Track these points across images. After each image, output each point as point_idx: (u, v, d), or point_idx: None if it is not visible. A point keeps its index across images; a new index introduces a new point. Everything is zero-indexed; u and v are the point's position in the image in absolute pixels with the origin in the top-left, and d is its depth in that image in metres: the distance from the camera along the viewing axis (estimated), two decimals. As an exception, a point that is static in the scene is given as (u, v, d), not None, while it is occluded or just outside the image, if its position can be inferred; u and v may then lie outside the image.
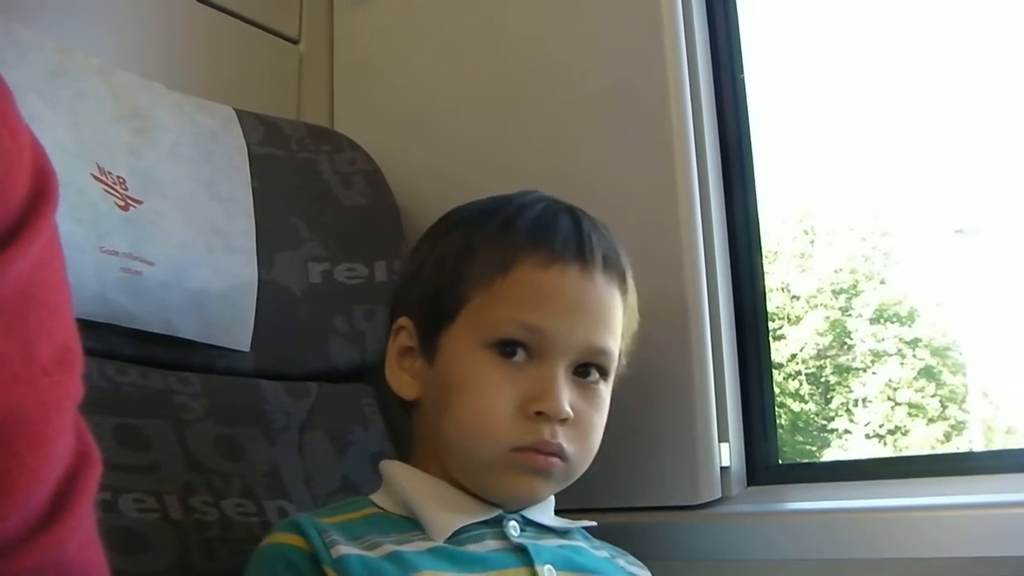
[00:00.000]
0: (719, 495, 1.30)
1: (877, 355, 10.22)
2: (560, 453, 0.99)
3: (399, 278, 1.15)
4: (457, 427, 1.00)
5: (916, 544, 1.15)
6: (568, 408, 0.98)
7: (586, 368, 1.03)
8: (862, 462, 1.82)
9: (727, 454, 1.32)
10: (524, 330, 0.99)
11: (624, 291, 1.07)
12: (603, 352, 1.03)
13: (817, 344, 10.23)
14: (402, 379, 1.08)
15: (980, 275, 9.78)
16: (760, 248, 1.45)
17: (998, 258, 9.89)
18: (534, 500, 1.03)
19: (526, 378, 0.99)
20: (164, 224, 1.21)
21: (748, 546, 1.25)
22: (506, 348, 0.99)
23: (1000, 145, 10.00)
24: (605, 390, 1.05)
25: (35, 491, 0.56)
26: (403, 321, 1.08)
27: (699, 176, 1.37)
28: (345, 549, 0.92)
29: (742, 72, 1.48)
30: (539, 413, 0.98)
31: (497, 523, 1.01)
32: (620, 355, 1.07)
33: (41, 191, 0.59)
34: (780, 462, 1.46)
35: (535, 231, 1.03)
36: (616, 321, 1.05)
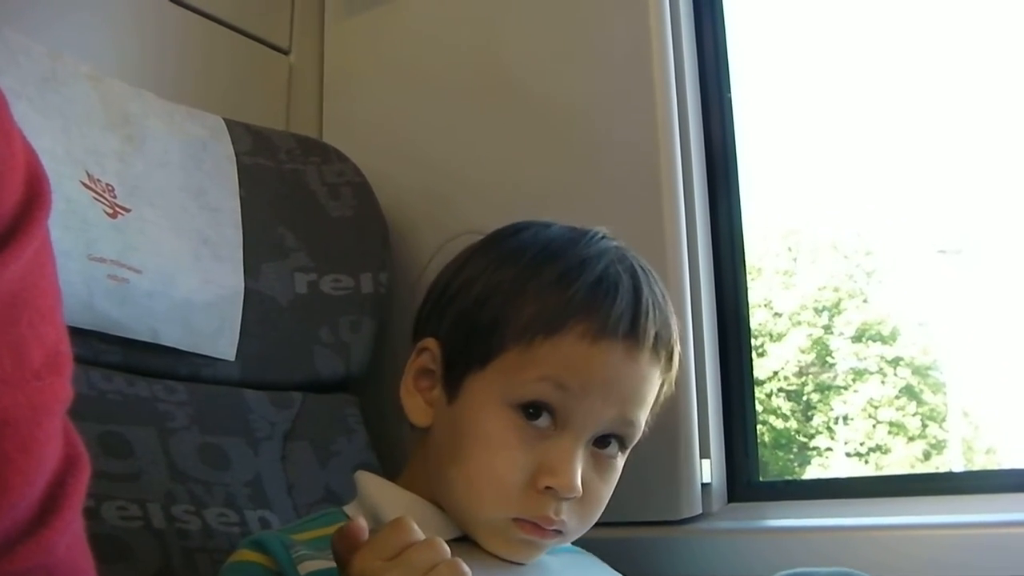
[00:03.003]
0: (700, 511, 1.30)
1: (859, 373, 10.26)
2: (560, 528, 0.96)
3: (435, 284, 1.08)
4: (464, 482, 0.96)
5: (896, 563, 1.15)
6: (580, 487, 0.94)
7: (607, 438, 0.99)
8: (842, 480, 1.83)
9: (708, 470, 1.32)
10: (557, 395, 0.94)
11: (668, 368, 1.02)
12: (630, 425, 0.99)
13: (799, 362, 10.26)
14: (416, 402, 1.03)
15: (962, 295, 9.83)
16: (744, 266, 1.46)
17: (980, 278, 9.94)
18: (521, 563, 0.99)
19: (544, 447, 0.94)
20: (152, 232, 1.21)
21: (728, 562, 1.25)
22: (530, 410, 0.95)
23: (983, 167, 10.06)
24: (621, 461, 1.01)
25: (25, 494, 0.57)
26: (430, 343, 1.03)
27: (685, 192, 1.38)
28: (312, 565, 0.89)
29: (729, 91, 1.49)
30: (549, 488, 0.94)
31: (470, 539, 0.98)
32: (645, 424, 1.02)
33: (34, 196, 0.59)
34: (761, 479, 1.46)
35: (592, 296, 0.96)
36: (651, 397, 1.01)
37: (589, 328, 0.95)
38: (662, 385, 1.03)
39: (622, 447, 1.00)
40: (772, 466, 9.45)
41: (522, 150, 1.49)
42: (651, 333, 0.98)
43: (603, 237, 1.04)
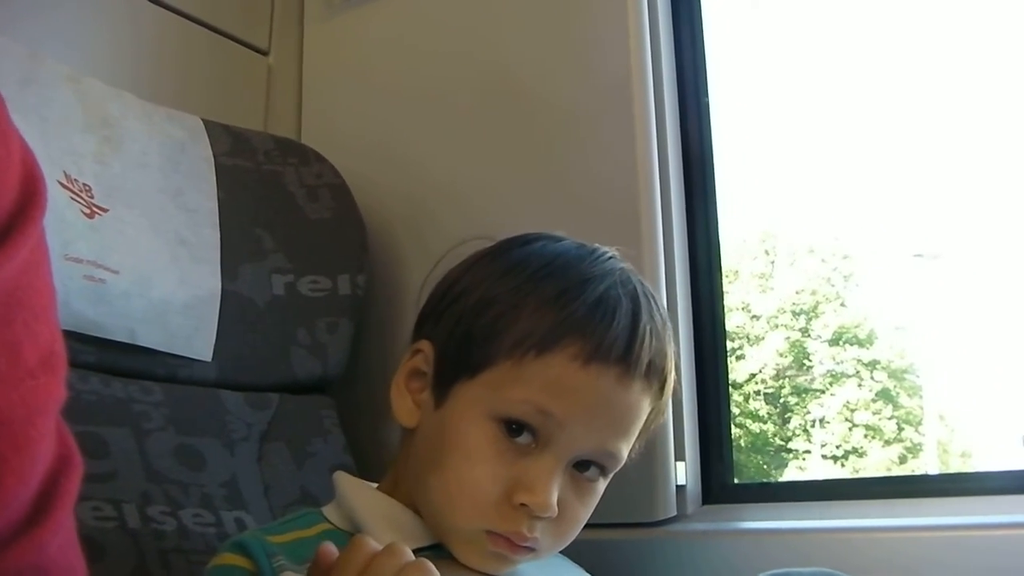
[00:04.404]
0: (674, 513, 1.31)
1: (835, 376, 10.30)
2: (533, 546, 0.95)
3: (438, 286, 1.06)
4: (441, 490, 0.95)
5: (870, 565, 1.16)
6: (555, 506, 0.93)
7: (587, 463, 0.97)
8: (817, 483, 1.84)
9: (683, 473, 1.33)
10: (539, 418, 0.93)
11: (660, 396, 1.00)
12: (612, 457, 0.98)
13: (777, 364, 10.30)
14: (405, 402, 1.02)
15: (938, 299, 9.88)
16: (720, 268, 1.47)
17: (956, 282, 10.00)
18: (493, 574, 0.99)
19: (524, 464, 0.93)
20: (129, 233, 1.21)
21: (702, 564, 1.26)
22: (513, 426, 0.93)
23: (959, 172, 10.12)
24: (601, 485, 1.00)
25: (18, 493, 0.57)
26: (425, 345, 1.01)
27: (662, 196, 1.39)
28: (292, 575, 0.89)
29: (707, 95, 1.50)
30: (524, 504, 0.92)
31: (444, 548, 0.98)
32: (631, 452, 1.01)
33: (30, 196, 0.60)
34: (736, 481, 1.47)
35: (588, 317, 0.94)
36: (638, 427, 0.99)
37: (582, 350, 0.93)
38: (651, 413, 1.01)
39: (603, 472, 0.99)
40: (749, 469, 9.47)
41: (501, 153, 1.50)
42: (645, 360, 0.96)
43: (610, 257, 1.02)
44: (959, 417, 10.06)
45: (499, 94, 1.51)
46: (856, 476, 8.73)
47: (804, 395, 10.38)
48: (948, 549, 1.14)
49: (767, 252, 10.66)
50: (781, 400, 10.34)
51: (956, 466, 9.87)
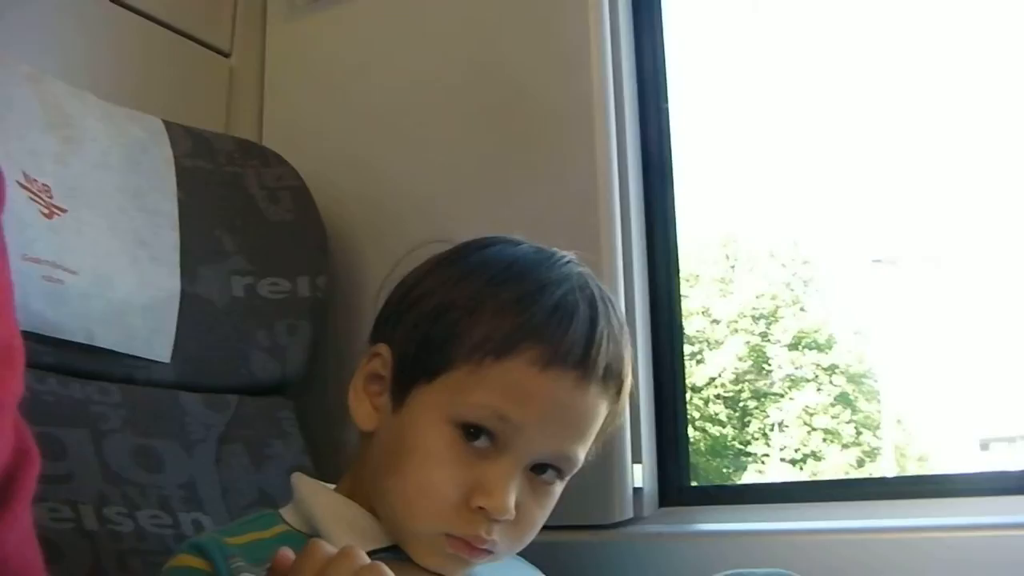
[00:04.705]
0: (631, 515, 1.32)
1: (795, 381, 10.37)
2: (491, 548, 0.95)
3: (396, 290, 1.06)
4: (399, 493, 0.95)
5: (825, 566, 1.18)
6: (513, 510, 0.94)
7: (545, 466, 0.98)
8: (772, 485, 1.85)
9: (640, 475, 1.34)
10: (497, 422, 0.93)
11: (616, 400, 1.01)
12: (569, 460, 0.98)
13: (736, 369, 10.36)
14: (363, 406, 1.02)
15: (896, 304, 9.98)
16: (678, 272, 1.48)
17: (914, 288, 10.10)
18: None
19: (481, 468, 0.94)
20: (88, 233, 1.20)
21: (659, 566, 1.27)
22: (471, 430, 0.94)
23: (919, 179, 10.22)
24: (558, 488, 1.00)
25: None
26: (383, 349, 1.01)
27: (621, 200, 1.40)
28: None
29: (667, 101, 1.51)
30: (482, 508, 0.93)
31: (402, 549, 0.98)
32: (588, 454, 1.01)
33: None
34: (692, 484, 1.49)
35: (546, 323, 0.95)
36: (595, 430, 0.99)
37: (540, 355, 0.93)
38: (608, 416, 1.02)
39: (560, 475, 1.00)
40: (708, 472, 9.52)
41: (462, 156, 1.51)
42: (602, 364, 0.96)
43: (568, 262, 1.02)
44: (916, 421, 10.16)
45: (460, 98, 1.52)
46: (812, 479, 8.80)
47: (763, 399, 10.44)
48: (903, 551, 1.16)
49: (728, 257, 10.72)
50: (740, 404, 10.40)
51: (913, 469, 9.97)
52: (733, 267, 10.71)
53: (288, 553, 0.80)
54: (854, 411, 10.19)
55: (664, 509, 1.38)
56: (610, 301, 1.02)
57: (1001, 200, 10.00)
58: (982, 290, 9.86)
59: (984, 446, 9.32)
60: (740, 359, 10.36)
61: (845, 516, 1.28)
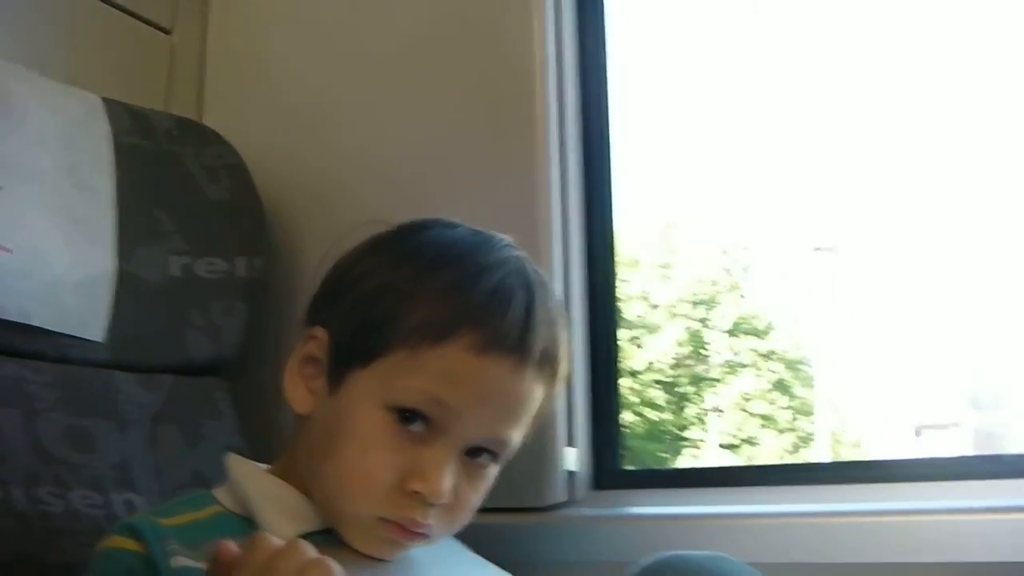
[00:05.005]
0: (565, 498, 1.34)
1: (732, 367, 10.46)
2: (426, 532, 0.96)
3: (332, 272, 1.05)
4: (334, 476, 0.95)
5: (755, 549, 1.20)
6: (448, 493, 0.94)
7: (480, 450, 0.98)
8: (706, 470, 1.88)
9: (574, 458, 1.36)
10: (433, 407, 0.93)
11: (552, 384, 1.01)
12: (504, 444, 0.98)
13: (675, 354, 10.43)
14: (299, 389, 1.01)
15: (835, 292, 10.09)
16: (614, 258, 1.49)
17: (853, 276, 10.22)
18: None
19: (417, 452, 0.94)
20: (23, 211, 1.19)
21: (592, 548, 1.29)
22: (407, 414, 0.94)
23: (860, 168, 10.33)
24: (493, 471, 1.01)
25: None
26: (319, 332, 1.01)
27: (560, 185, 1.41)
28: (184, 560, 0.89)
29: (606, 85, 1.52)
30: (417, 492, 0.93)
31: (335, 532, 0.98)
32: (523, 438, 1.01)
33: None
34: (627, 468, 1.50)
35: (483, 308, 0.95)
36: (530, 414, 1.00)
37: (477, 339, 0.94)
38: (543, 400, 1.02)
39: (495, 459, 1.00)
40: (646, 457, 9.59)
41: (402, 138, 1.51)
42: (538, 349, 0.97)
43: (506, 246, 1.02)
44: (852, 408, 10.29)
45: (402, 79, 1.52)
46: (745, 464, 8.88)
47: (701, 384, 10.53)
48: (836, 535, 1.19)
49: (668, 242, 10.79)
50: (678, 389, 10.48)
51: (848, 455, 10.10)
52: (674, 253, 10.78)
53: (230, 546, 0.79)
54: (791, 397, 10.30)
55: (598, 492, 1.40)
56: (547, 285, 1.03)
57: (939, 191, 10.15)
58: (918, 279, 10.01)
59: (918, 433, 9.46)
60: (679, 344, 10.43)
61: (778, 501, 1.30)
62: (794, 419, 10.31)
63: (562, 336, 1.02)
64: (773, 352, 10.45)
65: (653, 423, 10.17)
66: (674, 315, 10.49)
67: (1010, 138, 8.63)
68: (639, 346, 10.20)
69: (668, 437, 10.22)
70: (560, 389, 1.07)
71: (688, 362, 10.49)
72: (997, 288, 8.91)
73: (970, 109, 9.45)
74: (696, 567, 1.05)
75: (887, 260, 10.19)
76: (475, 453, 0.98)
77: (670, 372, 10.40)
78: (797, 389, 10.38)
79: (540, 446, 1.29)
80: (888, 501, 1.23)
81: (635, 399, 9.84)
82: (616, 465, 1.44)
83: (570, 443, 1.35)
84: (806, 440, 10.11)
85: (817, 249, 10.20)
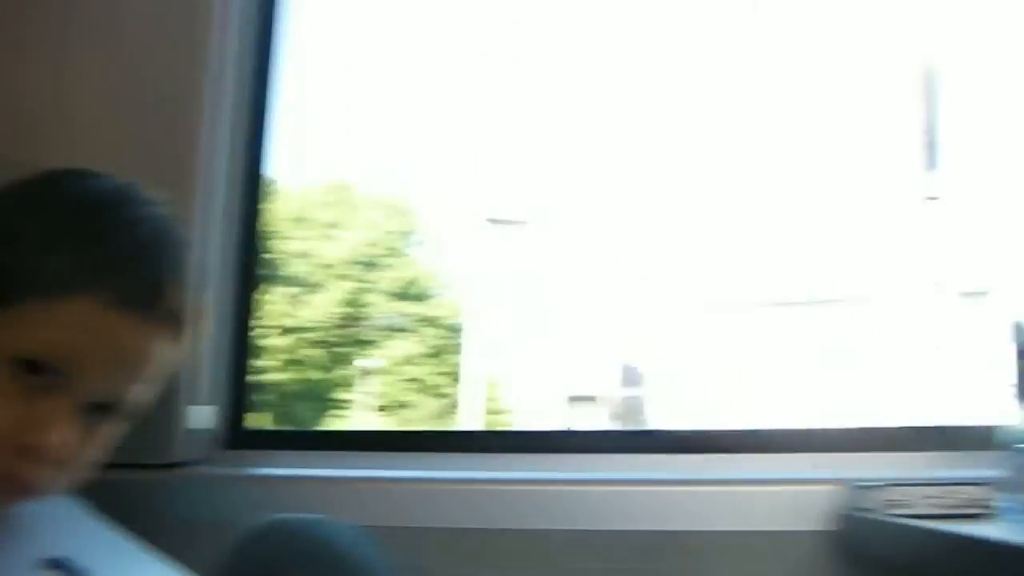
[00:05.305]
0: (192, 457, 1.33)
1: (392, 330, 10.60)
2: (41, 485, 0.92)
3: None
4: None
5: (374, 512, 1.25)
6: (65, 448, 0.91)
7: (104, 406, 0.94)
8: (344, 433, 1.91)
9: (200, 417, 1.35)
10: (58, 361, 0.89)
11: (181, 343, 0.99)
12: (128, 402, 0.95)
13: (336, 314, 10.46)
14: None
15: (499, 263, 10.41)
16: (260, 216, 1.50)
17: (519, 248, 10.57)
18: None
19: (36, 405, 0.90)
20: None
21: (213, 509, 1.29)
22: (30, 365, 0.89)
23: (533, 143, 10.70)
24: (115, 428, 0.97)
25: None
26: None
27: (212, 141, 1.39)
28: None
29: (273, 38, 1.52)
30: (32, 446, 0.89)
31: None
32: (150, 396, 0.99)
33: None
34: (264, 428, 1.50)
35: (115, 264, 0.92)
36: (158, 372, 0.97)
37: (107, 296, 0.91)
38: (171, 360, 0.99)
39: (119, 416, 0.97)
40: (297, 416, 9.58)
41: (61, 79, 1.42)
42: (168, 308, 0.95)
43: (147, 203, 0.99)
44: (508, 377, 10.66)
45: (65, 23, 1.44)
46: (384, 430, 9.06)
47: (359, 346, 10.61)
48: (459, 501, 1.26)
49: (337, 202, 10.79)
50: (336, 349, 10.51)
51: (498, 424, 10.45)
52: (342, 213, 10.79)
53: None
54: (446, 364, 10.53)
55: (229, 452, 1.40)
56: (184, 245, 1.00)
57: (608, 166, 10.60)
58: (585, 259, 10.43)
59: (570, 404, 9.90)
60: (341, 305, 10.46)
61: (416, 467, 1.35)
62: (449, 386, 10.55)
63: (194, 298, 1.00)
64: (434, 318, 10.66)
65: (308, 383, 10.16)
66: (338, 276, 10.51)
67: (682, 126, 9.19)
68: (299, 304, 10.16)
69: (322, 398, 10.24)
70: (189, 350, 1.06)
71: (348, 323, 10.55)
72: (650, 274, 9.49)
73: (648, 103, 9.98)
74: (299, 529, 1.08)
75: (559, 238, 10.57)
76: (97, 409, 0.95)
77: (329, 333, 10.42)
78: (452, 356, 10.63)
79: (167, 404, 1.26)
80: (539, 471, 1.33)
81: (291, 358, 9.80)
82: (249, 425, 1.43)
83: (199, 401, 1.33)
84: (456, 407, 10.37)
85: (493, 220, 10.47)
